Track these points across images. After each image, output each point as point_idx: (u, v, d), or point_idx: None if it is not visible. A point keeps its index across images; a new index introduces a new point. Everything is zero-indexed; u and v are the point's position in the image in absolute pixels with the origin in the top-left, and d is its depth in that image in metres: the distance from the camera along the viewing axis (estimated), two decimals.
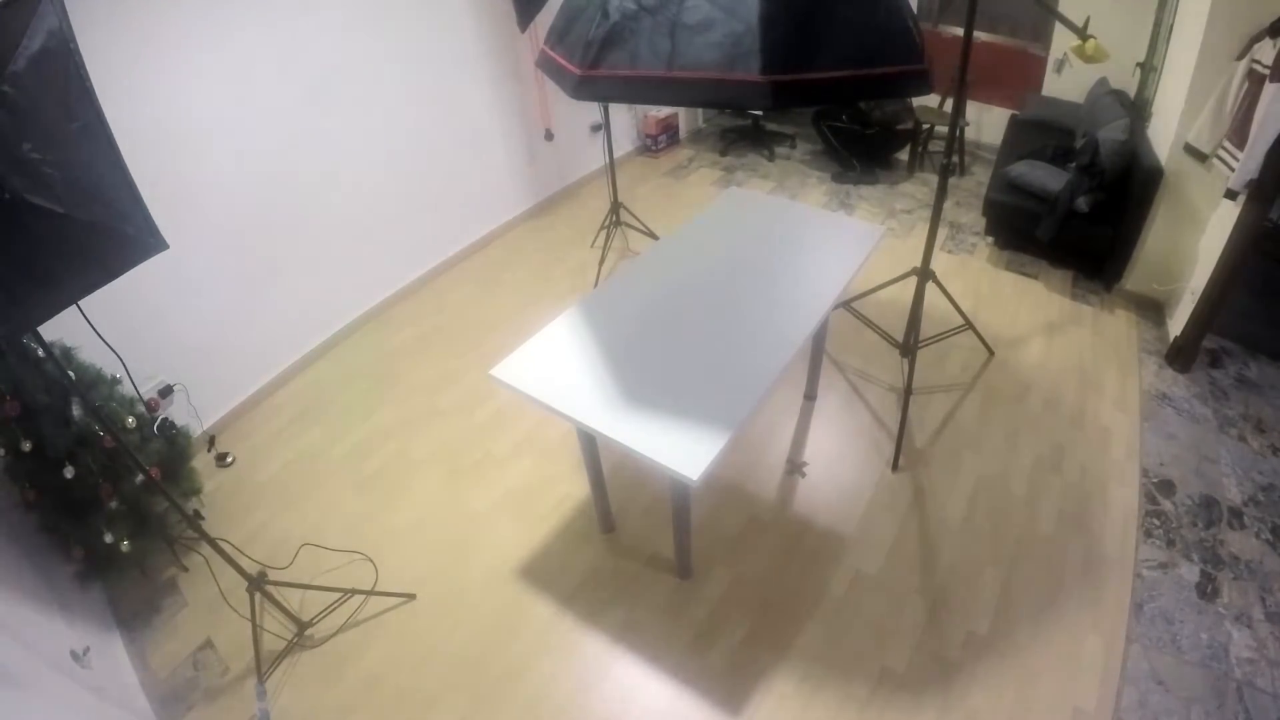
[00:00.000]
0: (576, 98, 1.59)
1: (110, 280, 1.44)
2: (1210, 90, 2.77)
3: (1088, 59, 2.09)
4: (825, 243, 2.44)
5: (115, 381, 2.29)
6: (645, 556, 2.37)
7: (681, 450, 1.63)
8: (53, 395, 2.04)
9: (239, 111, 2.72)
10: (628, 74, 1.52)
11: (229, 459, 2.86)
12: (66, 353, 2.13)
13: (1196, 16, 2.87)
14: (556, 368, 1.93)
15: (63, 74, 1.30)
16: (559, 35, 1.68)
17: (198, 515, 2.56)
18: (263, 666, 2.07)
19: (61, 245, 1.32)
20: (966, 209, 4.23)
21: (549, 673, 2.08)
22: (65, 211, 1.28)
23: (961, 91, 2.20)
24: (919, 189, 4.51)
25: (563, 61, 1.62)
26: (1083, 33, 2.09)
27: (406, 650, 2.17)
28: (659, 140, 5.09)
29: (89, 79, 1.35)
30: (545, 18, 2.30)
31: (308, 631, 2.20)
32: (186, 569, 2.44)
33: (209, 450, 2.89)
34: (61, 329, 1.85)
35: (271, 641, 2.15)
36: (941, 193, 2.30)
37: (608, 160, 3.64)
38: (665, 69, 1.47)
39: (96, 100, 1.37)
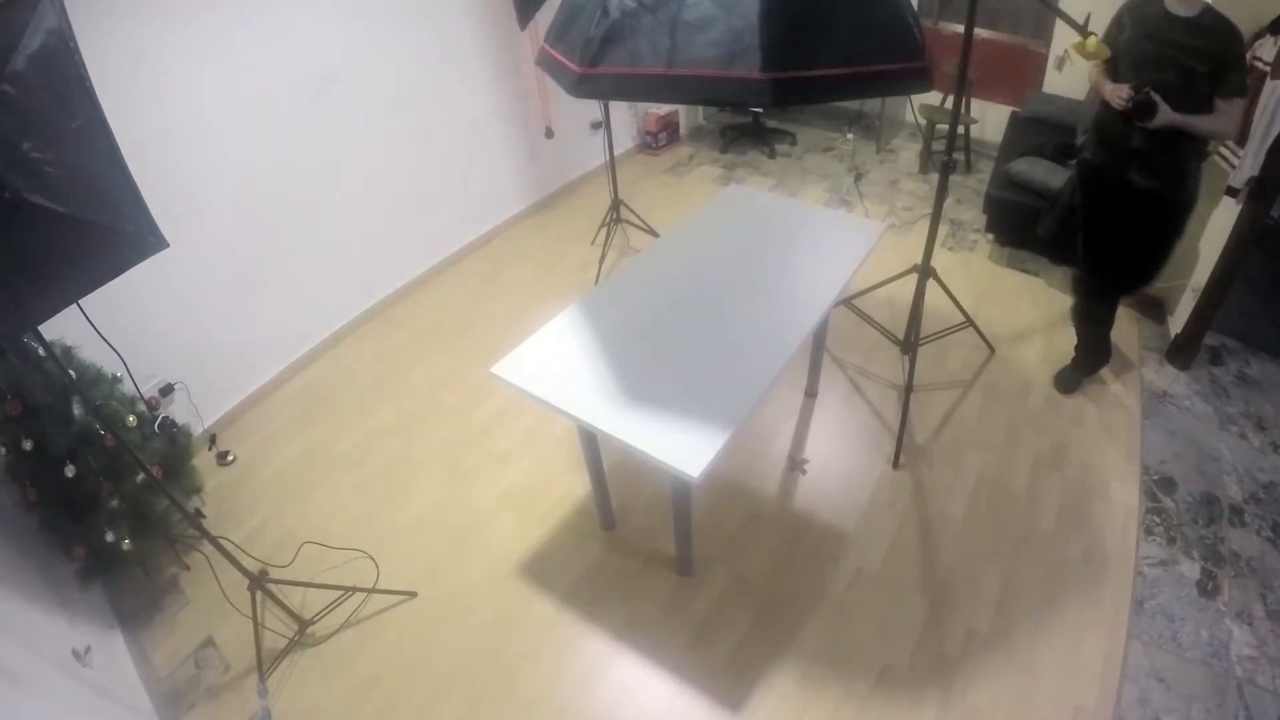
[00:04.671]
0: (576, 95, 1.59)
1: (111, 279, 1.45)
2: None
3: (1089, 56, 2.08)
4: (826, 240, 2.44)
5: (116, 380, 2.29)
6: (646, 554, 2.38)
7: (682, 448, 1.63)
8: (53, 394, 2.04)
9: (239, 110, 2.72)
10: (628, 72, 1.52)
11: (230, 457, 2.87)
12: (67, 352, 2.12)
13: None
14: (557, 365, 1.93)
15: (62, 73, 1.30)
16: (559, 33, 1.68)
17: (199, 514, 2.56)
18: (264, 664, 2.08)
19: (62, 244, 1.32)
20: (968, 206, 4.23)
21: (550, 670, 2.09)
22: (65, 211, 1.28)
23: (962, 89, 2.19)
24: (920, 186, 4.51)
25: (563, 59, 1.62)
26: (1084, 30, 2.08)
27: (407, 648, 2.17)
28: (659, 138, 5.08)
29: (89, 78, 1.35)
30: (545, 16, 2.30)
31: (309, 629, 2.20)
32: (188, 567, 2.44)
33: (210, 449, 2.89)
34: (62, 328, 1.86)
35: (273, 639, 2.16)
36: (942, 191, 2.30)
37: (608, 158, 3.63)
38: (665, 67, 1.47)
39: (96, 99, 1.37)
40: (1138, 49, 2.22)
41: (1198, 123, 2.16)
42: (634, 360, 1.93)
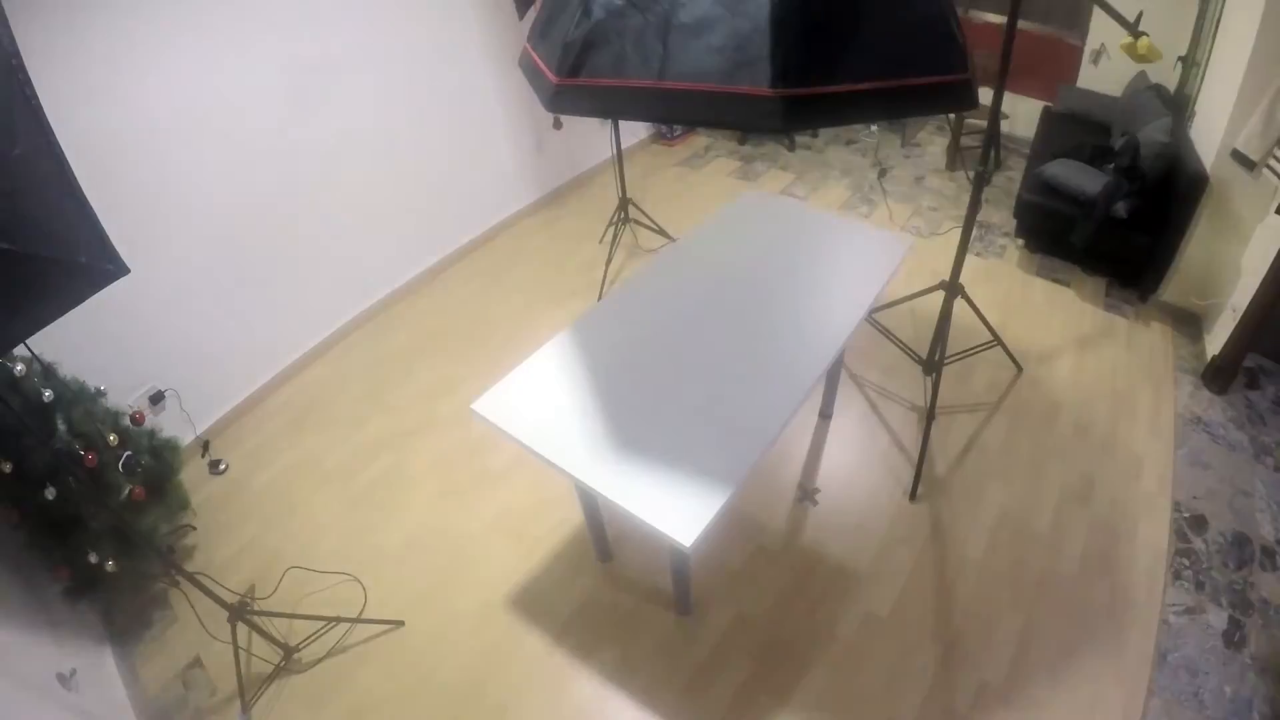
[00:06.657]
0: (551, 110, 1.39)
1: (66, 311, 1.35)
2: (1262, 93, 2.55)
3: (1140, 58, 1.90)
4: (847, 256, 2.28)
5: (100, 395, 2.22)
6: (643, 590, 2.26)
7: (676, 509, 1.49)
8: (31, 415, 1.97)
9: (231, 107, 2.60)
10: (611, 84, 1.30)
11: (222, 466, 2.80)
12: (45, 371, 2.05)
13: (1249, 12, 2.64)
14: (546, 403, 1.79)
15: (3, 95, 1.19)
16: (541, 31, 1.47)
17: (189, 527, 2.51)
18: (248, 692, 2.03)
19: (10, 279, 1.22)
20: (997, 206, 4.01)
21: (538, 710, 2.00)
22: (9, 247, 1.18)
23: (1001, 89, 2.02)
24: (947, 184, 4.30)
25: (541, 65, 1.41)
26: (1135, 29, 1.89)
27: (394, 679, 2.10)
28: (675, 128, 4.88)
29: (35, 97, 1.24)
30: None
31: (295, 655, 2.13)
32: (176, 584, 2.38)
33: (203, 456, 2.83)
34: (45, 343, 1.79)
35: (259, 664, 2.10)
36: (974, 207, 2.14)
37: (615, 154, 3.46)
38: (655, 79, 1.26)
39: (45, 120, 1.26)
40: None
41: None
42: (629, 400, 1.79)
